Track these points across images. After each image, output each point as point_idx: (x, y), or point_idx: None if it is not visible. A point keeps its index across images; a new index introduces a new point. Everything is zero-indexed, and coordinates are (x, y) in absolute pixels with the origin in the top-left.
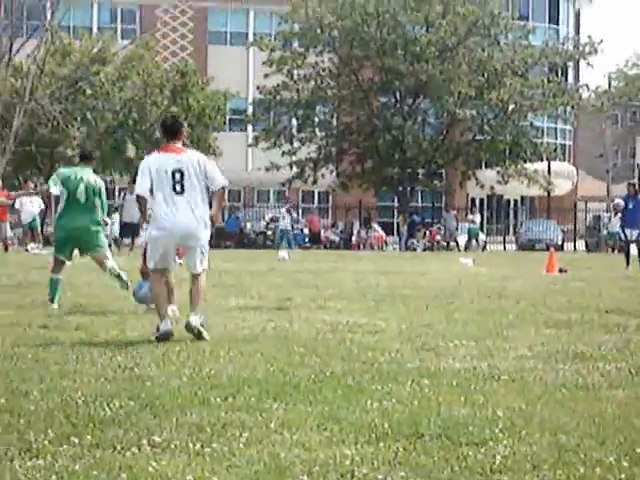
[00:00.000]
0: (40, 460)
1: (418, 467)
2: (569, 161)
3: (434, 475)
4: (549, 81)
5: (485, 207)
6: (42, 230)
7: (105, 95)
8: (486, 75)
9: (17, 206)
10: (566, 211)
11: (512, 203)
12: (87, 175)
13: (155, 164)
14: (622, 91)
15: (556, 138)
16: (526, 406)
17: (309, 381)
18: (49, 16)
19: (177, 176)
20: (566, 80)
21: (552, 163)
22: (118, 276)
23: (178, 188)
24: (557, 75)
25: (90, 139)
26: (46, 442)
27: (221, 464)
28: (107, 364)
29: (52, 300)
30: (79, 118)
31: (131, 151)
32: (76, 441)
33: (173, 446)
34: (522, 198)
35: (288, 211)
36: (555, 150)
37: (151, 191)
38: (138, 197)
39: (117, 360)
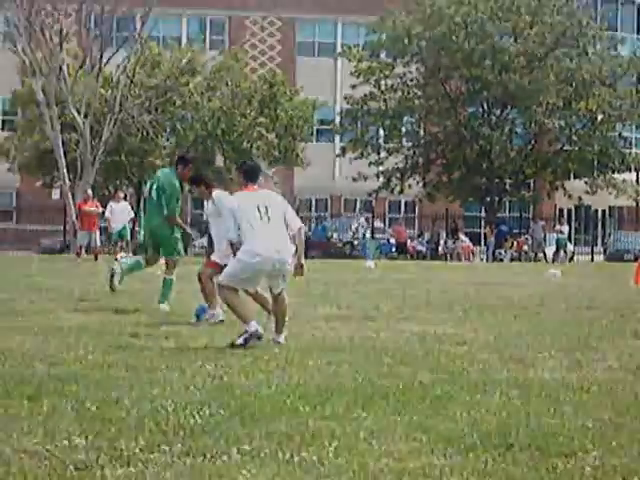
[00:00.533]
0: (131, 467)
1: (508, 477)
2: None
3: None
4: (637, 91)
5: (573, 218)
6: (131, 239)
7: (194, 105)
8: (574, 85)
9: (107, 215)
10: None
11: (600, 213)
12: (163, 176)
13: (240, 201)
14: None
15: None
16: (616, 417)
17: (397, 391)
18: (139, 27)
19: (262, 209)
20: None
21: None
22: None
23: (266, 219)
24: None
25: (179, 149)
26: (137, 450)
27: (310, 473)
28: (196, 372)
29: (162, 302)
30: (168, 128)
31: (220, 161)
32: (166, 449)
33: (262, 454)
34: (610, 208)
35: (367, 220)
36: None
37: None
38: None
39: (206, 369)
